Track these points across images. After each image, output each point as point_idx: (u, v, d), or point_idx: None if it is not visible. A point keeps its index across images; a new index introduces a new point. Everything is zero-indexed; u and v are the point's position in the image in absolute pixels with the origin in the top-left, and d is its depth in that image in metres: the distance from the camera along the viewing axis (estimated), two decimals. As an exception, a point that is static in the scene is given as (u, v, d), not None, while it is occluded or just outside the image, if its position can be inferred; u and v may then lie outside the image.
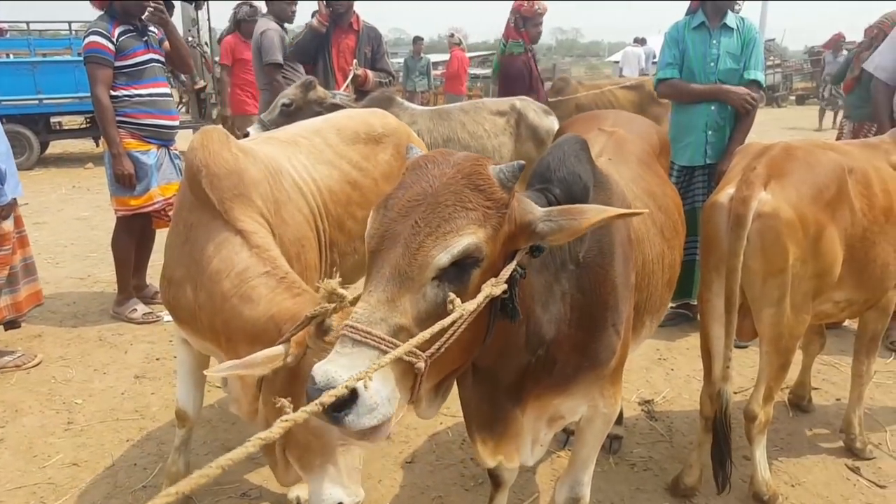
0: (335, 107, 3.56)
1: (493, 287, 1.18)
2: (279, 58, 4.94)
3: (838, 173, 2.24)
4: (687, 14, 4.02)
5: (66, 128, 10.90)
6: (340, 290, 1.46)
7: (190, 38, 13.63)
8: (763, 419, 2.38)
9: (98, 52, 3.77)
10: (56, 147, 11.61)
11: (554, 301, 1.46)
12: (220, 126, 2.41)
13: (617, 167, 1.95)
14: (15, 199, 3.36)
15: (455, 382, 1.43)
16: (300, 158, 2.55)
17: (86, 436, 2.89)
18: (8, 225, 3.33)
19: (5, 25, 11.56)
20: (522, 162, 1.25)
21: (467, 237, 1.15)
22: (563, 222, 1.25)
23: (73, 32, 10.95)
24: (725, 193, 2.23)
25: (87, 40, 3.82)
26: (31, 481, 2.57)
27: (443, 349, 1.13)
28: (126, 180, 3.85)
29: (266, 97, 4.95)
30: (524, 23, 5.43)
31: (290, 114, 3.63)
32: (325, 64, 4.49)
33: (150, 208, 4.00)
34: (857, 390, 2.82)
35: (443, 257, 1.13)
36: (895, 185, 2.44)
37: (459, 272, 1.17)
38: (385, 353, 1.07)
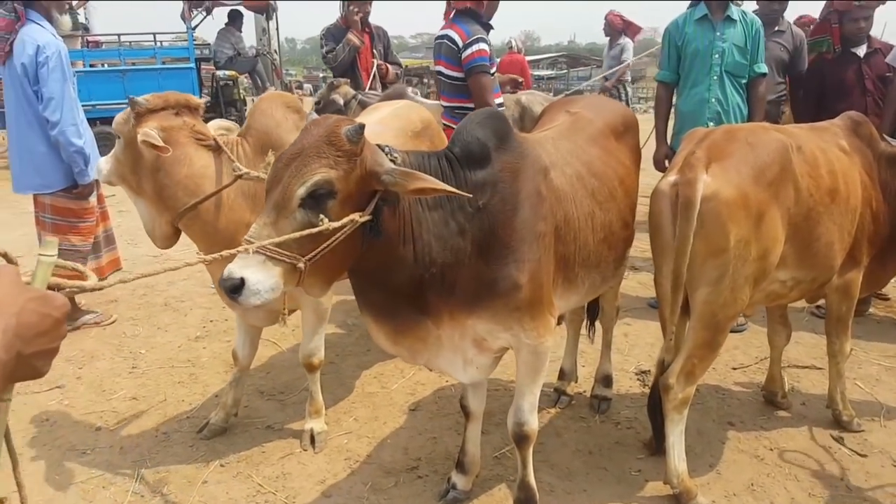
0: (362, 103, 4.01)
1: (359, 216, 1.64)
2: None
3: (782, 152, 2.30)
4: (689, 7, 4.06)
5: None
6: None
7: (260, 47, 14.57)
8: (680, 396, 2.35)
9: (489, 60, 3.44)
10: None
11: (450, 233, 1.83)
12: None
13: (557, 140, 2.26)
14: (97, 179, 3.94)
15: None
16: None
17: (146, 378, 3.42)
18: (92, 200, 3.94)
19: (101, 38, 12.73)
20: (363, 123, 1.67)
21: (317, 175, 1.60)
22: (399, 180, 1.66)
23: (159, 43, 11.97)
24: (667, 181, 2.29)
25: (476, 48, 3.40)
26: (98, 409, 3.10)
27: (318, 256, 1.61)
28: None
29: None
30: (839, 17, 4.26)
31: (320, 111, 4.15)
32: (353, 67, 5.02)
33: None
34: (835, 368, 2.93)
35: (300, 190, 1.60)
36: (841, 166, 2.51)
37: (316, 202, 1.60)
38: (269, 258, 1.56)
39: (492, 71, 3.53)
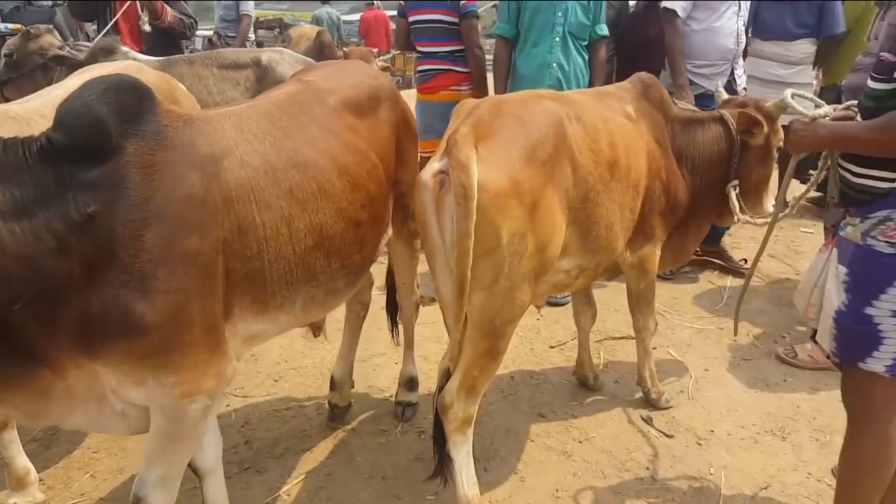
0: (60, 59, 3.23)
1: None
2: None
3: (555, 125, 2.00)
4: None
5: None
6: None
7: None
8: (462, 415, 1.99)
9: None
10: None
11: (43, 251, 1.36)
12: None
13: (249, 120, 1.75)
14: None
15: None
16: None
17: None
18: None
19: None
20: None
21: None
22: None
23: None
24: (430, 169, 1.92)
25: None
26: None
27: None
28: None
29: None
30: None
31: (14, 65, 3.44)
32: (107, 10, 4.10)
33: None
34: (642, 345, 2.78)
35: None
36: (624, 136, 2.26)
37: None
38: None
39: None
